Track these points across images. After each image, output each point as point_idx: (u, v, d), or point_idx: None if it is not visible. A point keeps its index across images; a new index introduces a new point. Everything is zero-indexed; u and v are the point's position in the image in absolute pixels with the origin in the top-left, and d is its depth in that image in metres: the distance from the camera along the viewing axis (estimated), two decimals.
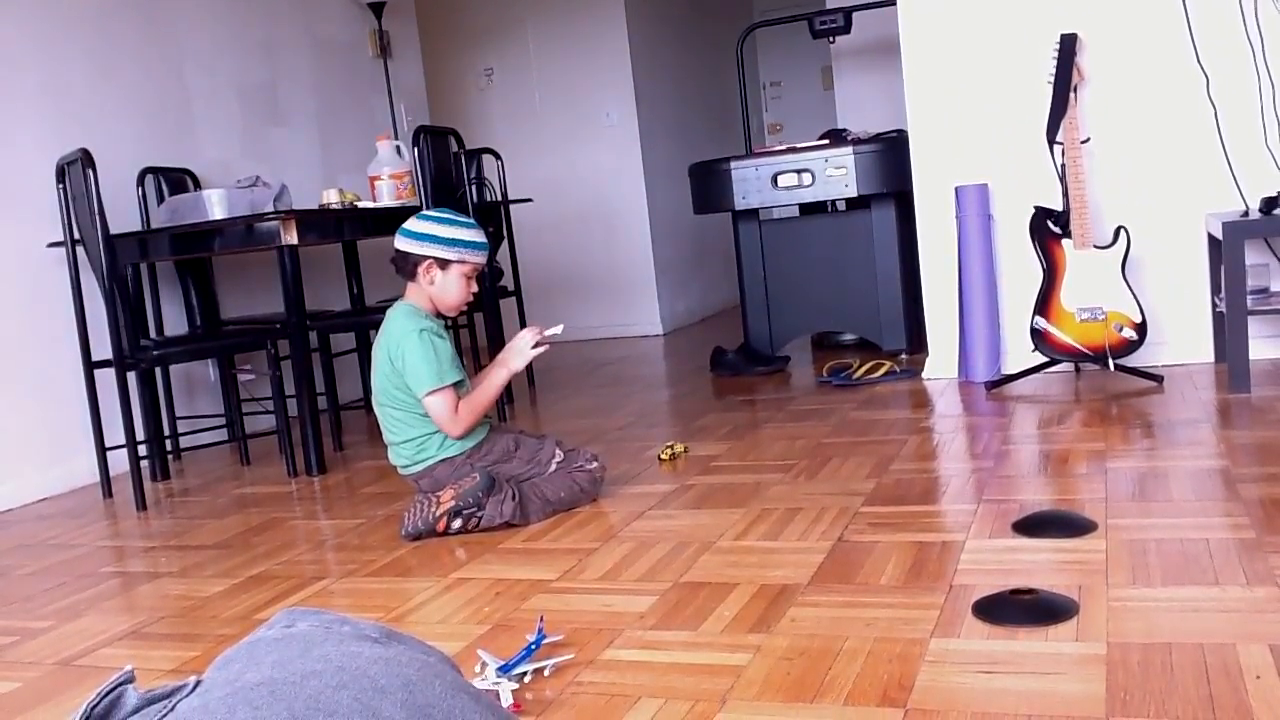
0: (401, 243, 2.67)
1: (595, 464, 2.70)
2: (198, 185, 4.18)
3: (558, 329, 2.72)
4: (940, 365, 3.91)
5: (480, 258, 2.69)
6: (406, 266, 2.67)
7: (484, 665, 1.69)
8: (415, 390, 2.59)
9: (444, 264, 2.65)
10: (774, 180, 4.36)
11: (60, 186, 3.38)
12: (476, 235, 2.68)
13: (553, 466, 2.68)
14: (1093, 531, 2.05)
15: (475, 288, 2.74)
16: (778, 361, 4.49)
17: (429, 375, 2.57)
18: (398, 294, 2.80)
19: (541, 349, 2.71)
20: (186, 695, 0.55)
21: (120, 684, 0.55)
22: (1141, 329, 3.34)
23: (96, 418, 3.48)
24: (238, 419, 4.00)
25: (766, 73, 8.12)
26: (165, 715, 0.53)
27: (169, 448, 3.86)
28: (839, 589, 1.91)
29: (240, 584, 2.38)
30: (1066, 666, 1.50)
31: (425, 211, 2.72)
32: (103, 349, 3.47)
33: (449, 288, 2.67)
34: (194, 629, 2.12)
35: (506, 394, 4.29)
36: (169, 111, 4.23)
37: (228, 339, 3.67)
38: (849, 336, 4.86)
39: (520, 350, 2.71)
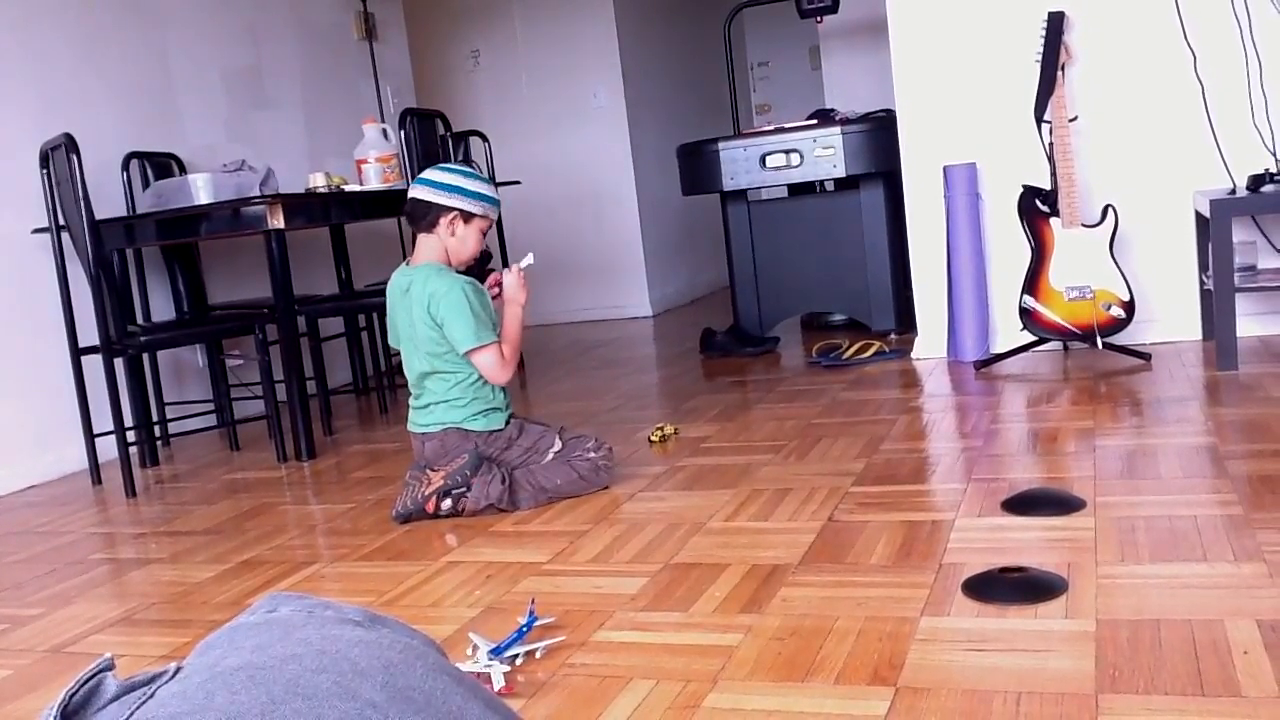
0: (424, 192, 2.62)
1: (596, 452, 2.65)
2: (183, 170, 4.15)
3: (528, 259, 2.86)
4: (929, 345, 3.91)
5: (495, 213, 2.73)
6: (429, 216, 2.63)
7: (475, 648, 1.69)
8: (462, 344, 2.56)
9: (468, 217, 2.65)
10: (762, 161, 4.35)
11: (44, 172, 3.35)
12: (495, 191, 2.72)
13: (549, 455, 2.66)
14: (1082, 509, 2.06)
15: (484, 243, 2.77)
16: (767, 342, 4.49)
17: (478, 330, 2.56)
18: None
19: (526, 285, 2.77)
20: (166, 682, 0.55)
21: (99, 671, 0.55)
22: (1129, 307, 3.34)
23: (84, 404, 3.46)
24: (226, 404, 3.99)
25: (754, 53, 8.09)
26: (144, 702, 0.53)
27: (158, 434, 3.84)
28: (829, 569, 1.91)
29: (231, 569, 2.37)
30: (1056, 644, 1.51)
31: (444, 164, 2.68)
32: (89, 335, 3.45)
33: (468, 241, 2.67)
34: (185, 615, 2.11)
35: None
36: (153, 96, 4.20)
37: (215, 324, 3.66)
38: (838, 317, 4.86)
39: (515, 290, 2.76)
